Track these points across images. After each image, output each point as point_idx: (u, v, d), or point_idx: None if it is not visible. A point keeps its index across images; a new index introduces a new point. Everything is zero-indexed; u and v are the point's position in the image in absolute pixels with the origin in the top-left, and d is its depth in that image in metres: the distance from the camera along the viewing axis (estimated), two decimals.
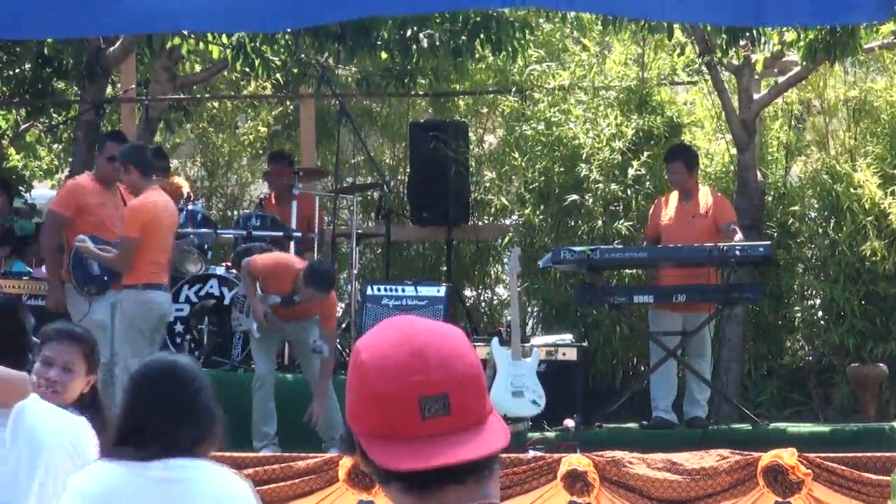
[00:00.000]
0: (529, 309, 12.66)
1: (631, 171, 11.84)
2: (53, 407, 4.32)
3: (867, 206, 11.46)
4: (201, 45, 12.81)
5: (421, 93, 14.04)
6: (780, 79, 11.84)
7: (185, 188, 12.44)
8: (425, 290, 11.16)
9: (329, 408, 9.65)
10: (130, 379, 4.25)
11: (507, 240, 12.86)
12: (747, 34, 10.98)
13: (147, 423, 4.02)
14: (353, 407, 2.02)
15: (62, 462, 4.20)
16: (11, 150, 15.78)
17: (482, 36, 11.62)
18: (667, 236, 10.49)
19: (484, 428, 2.02)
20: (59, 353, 4.85)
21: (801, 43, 10.80)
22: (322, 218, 11.77)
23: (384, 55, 12.19)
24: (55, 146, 16.45)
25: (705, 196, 10.59)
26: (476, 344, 9.68)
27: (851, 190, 11.56)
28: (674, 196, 10.69)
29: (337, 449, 9.08)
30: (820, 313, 12.04)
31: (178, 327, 11.04)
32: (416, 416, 1.97)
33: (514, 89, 12.93)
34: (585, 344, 11.22)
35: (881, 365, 10.86)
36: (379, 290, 11.14)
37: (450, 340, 2.04)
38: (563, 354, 10.55)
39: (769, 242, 10.54)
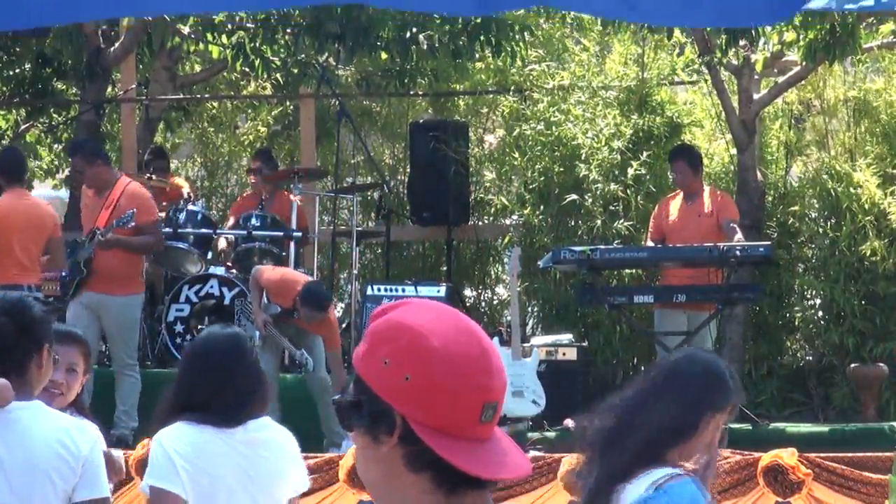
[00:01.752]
0: (529, 309, 12.66)
1: (630, 171, 11.84)
2: (48, 410, 4.27)
3: (867, 206, 11.46)
4: (201, 45, 12.81)
5: (421, 93, 14.04)
6: (780, 79, 11.84)
7: (185, 188, 12.44)
8: (425, 290, 11.16)
9: (328, 413, 9.66)
10: (196, 351, 4.69)
11: (507, 240, 12.86)
12: (746, 34, 10.98)
13: (221, 391, 4.48)
14: (408, 390, 1.95)
15: (56, 466, 4.15)
16: None
17: (482, 38, 11.63)
18: (673, 237, 10.45)
19: (502, 437, 2.02)
20: (64, 355, 4.83)
21: (801, 43, 10.80)
22: (303, 217, 11.71)
23: (384, 55, 12.20)
24: (55, 146, 16.44)
25: (709, 195, 10.58)
26: None
27: (851, 190, 11.56)
28: (677, 197, 10.66)
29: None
30: (820, 313, 12.04)
31: (179, 327, 11.04)
32: (476, 418, 1.96)
33: (512, 89, 12.92)
34: (585, 344, 11.22)
35: (881, 365, 10.85)
36: (379, 290, 11.14)
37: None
38: (563, 354, 10.55)
39: (769, 242, 10.54)
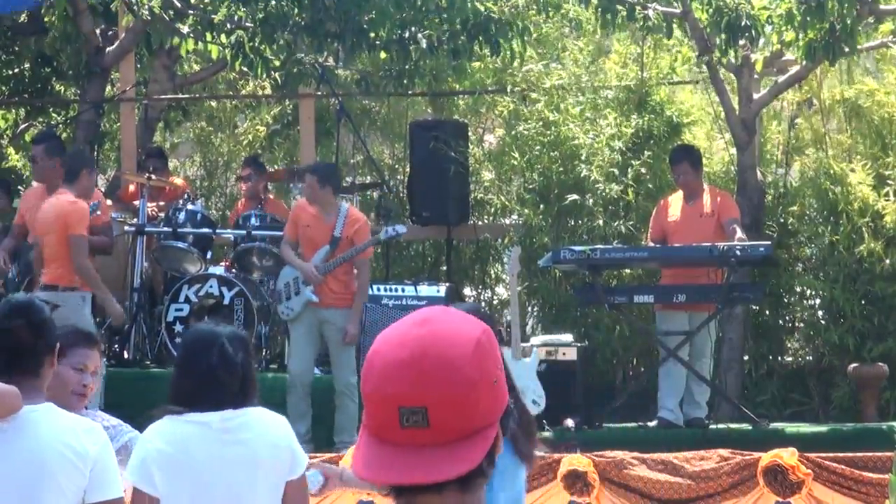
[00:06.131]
0: (529, 309, 12.66)
1: (630, 171, 11.83)
2: (59, 411, 4.25)
3: (862, 208, 11.46)
4: (200, 44, 12.79)
5: (420, 92, 14.02)
6: (780, 78, 11.83)
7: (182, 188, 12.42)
8: (425, 290, 11.15)
9: (341, 410, 9.70)
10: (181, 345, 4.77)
11: (507, 239, 12.85)
12: (746, 34, 10.98)
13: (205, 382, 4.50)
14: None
15: (64, 469, 4.12)
16: (11, 150, 15.77)
17: (480, 38, 11.61)
18: (674, 237, 10.45)
19: (462, 444, 1.99)
20: (92, 359, 4.81)
21: (800, 42, 10.80)
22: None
23: (383, 55, 12.19)
24: None
25: (710, 195, 10.57)
26: None
27: (847, 191, 11.56)
28: (677, 197, 10.65)
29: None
30: (820, 313, 12.04)
31: (178, 327, 11.03)
32: (396, 422, 1.98)
33: (509, 89, 12.90)
34: (585, 344, 11.21)
35: (882, 365, 10.86)
36: (379, 290, 11.12)
37: (452, 351, 2.00)
38: (563, 354, 10.54)
39: (770, 242, 10.53)
